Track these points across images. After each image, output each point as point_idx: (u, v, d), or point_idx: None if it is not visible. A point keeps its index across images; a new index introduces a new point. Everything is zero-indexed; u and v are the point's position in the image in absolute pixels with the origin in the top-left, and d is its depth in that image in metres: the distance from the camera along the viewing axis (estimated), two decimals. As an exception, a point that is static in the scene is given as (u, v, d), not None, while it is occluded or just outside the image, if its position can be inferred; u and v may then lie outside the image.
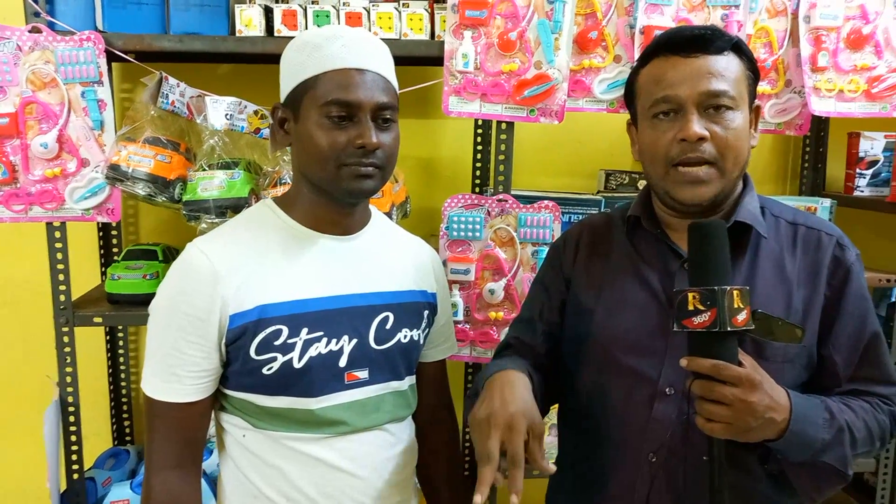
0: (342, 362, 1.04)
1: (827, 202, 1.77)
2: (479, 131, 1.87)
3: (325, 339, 1.02)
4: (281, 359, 1.00)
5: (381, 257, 1.12)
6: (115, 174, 1.43)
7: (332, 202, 1.05)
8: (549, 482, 1.21)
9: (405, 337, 1.10)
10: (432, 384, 1.24)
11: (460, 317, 1.56)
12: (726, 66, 0.96)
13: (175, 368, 1.00)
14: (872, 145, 1.86)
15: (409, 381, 1.15)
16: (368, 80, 0.99)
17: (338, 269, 1.06)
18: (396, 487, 1.10)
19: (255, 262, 1.02)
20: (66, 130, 1.43)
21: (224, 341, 1.00)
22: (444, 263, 1.54)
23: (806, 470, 0.95)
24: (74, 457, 1.53)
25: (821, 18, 1.56)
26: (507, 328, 1.42)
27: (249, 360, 1.00)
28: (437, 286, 1.20)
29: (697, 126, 0.94)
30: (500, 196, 1.55)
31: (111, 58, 1.45)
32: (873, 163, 1.87)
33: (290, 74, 1.02)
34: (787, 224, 1.04)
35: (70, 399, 1.50)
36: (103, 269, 1.80)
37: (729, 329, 0.84)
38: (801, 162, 2.03)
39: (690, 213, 1.00)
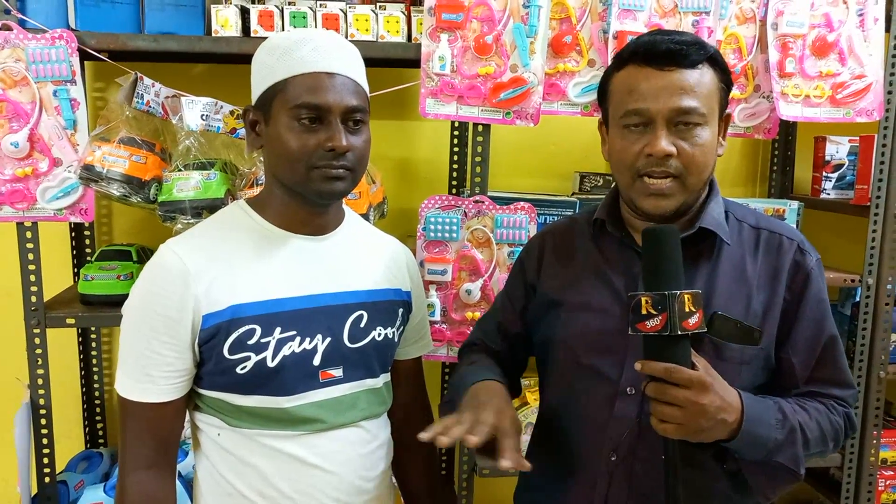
0: (316, 361, 1.05)
1: (795, 204, 1.82)
2: (456, 133, 1.88)
3: (298, 339, 1.03)
4: (254, 358, 1.00)
5: (355, 256, 1.13)
6: (90, 175, 1.41)
7: (304, 203, 1.06)
8: (519, 479, 1.23)
9: (379, 335, 1.11)
10: (408, 381, 1.25)
11: (437, 317, 1.57)
12: (699, 81, 0.96)
13: (148, 369, 1.00)
14: (838, 149, 1.91)
15: (384, 378, 1.16)
16: (338, 83, 1.00)
17: (311, 269, 1.07)
18: (372, 484, 1.11)
19: (228, 262, 1.02)
20: (37, 129, 1.41)
21: (197, 341, 1.00)
22: (422, 264, 1.55)
23: (761, 468, 0.98)
24: (46, 460, 1.50)
25: (787, 26, 1.60)
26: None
27: (223, 360, 1.00)
28: (412, 284, 1.21)
29: (665, 143, 0.95)
30: (477, 197, 1.56)
31: (84, 57, 1.43)
32: (839, 166, 1.92)
33: (261, 77, 1.03)
34: (750, 228, 1.06)
35: (42, 401, 1.48)
36: (76, 270, 1.78)
37: (679, 333, 0.86)
38: (770, 165, 2.08)
39: (654, 219, 1.02)
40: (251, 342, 1.00)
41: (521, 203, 1.58)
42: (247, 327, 1.00)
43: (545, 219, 1.75)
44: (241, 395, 1.03)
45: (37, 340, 1.46)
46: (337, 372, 1.07)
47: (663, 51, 0.96)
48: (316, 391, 1.05)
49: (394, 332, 1.15)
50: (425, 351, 1.29)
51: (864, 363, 1.76)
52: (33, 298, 1.45)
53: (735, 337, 0.94)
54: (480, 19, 1.49)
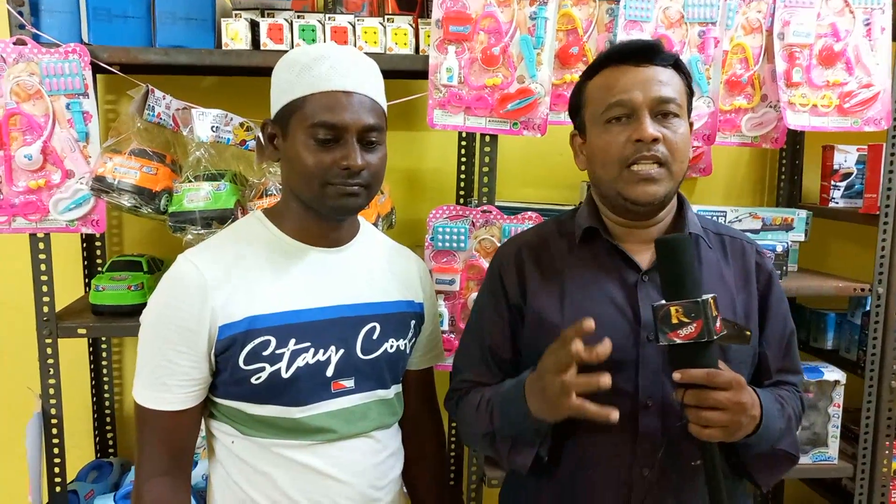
0: (329, 372, 1.06)
1: (803, 213, 1.81)
2: (464, 144, 1.89)
3: (312, 350, 1.04)
4: (269, 369, 1.01)
5: (369, 268, 1.13)
6: (101, 186, 1.43)
7: (319, 216, 1.07)
8: (509, 499, 1.19)
9: (392, 347, 1.12)
10: (419, 392, 1.26)
11: (445, 326, 1.57)
12: (671, 78, 1.01)
13: (165, 378, 1.01)
14: (846, 158, 1.91)
15: (396, 389, 1.17)
16: (355, 102, 1.01)
17: (326, 281, 1.08)
18: (383, 492, 1.12)
19: (245, 273, 1.03)
20: (50, 142, 1.43)
21: (213, 352, 1.01)
22: (430, 274, 1.56)
23: (764, 458, 1.02)
24: (57, 469, 1.51)
25: (794, 36, 1.61)
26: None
27: (238, 370, 1.01)
28: (425, 296, 1.22)
29: (651, 128, 0.98)
30: (485, 207, 1.57)
31: (97, 70, 1.45)
32: (847, 175, 1.92)
33: (280, 92, 1.04)
34: (714, 234, 1.11)
35: (53, 411, 1.49)
36: (87, 281, 1.79)
37: (715, 337, 0.88)
38: (778, 174, 2.08)
39: (641, 216, 1.04)
40: (266, 353, 1.01)
41: (529, 213, 1.58)
42: (262, 338, 1.01)
43: (553, 228, 1.75)
44: (255, 404, 1.04)
45: (48, 350, 1.47)
46: (349, 383, 1.07)
47: (639, 47, 1.01)
48: (328, 402, 1.06)
49: (406, 344, 1.15)
50: (437, 362, 1.29)
51: (874, 373, 1.75)
52: (45, 309, 1.47)
53: (734, 338, 0.95)
54: (487, 31, 1.50)
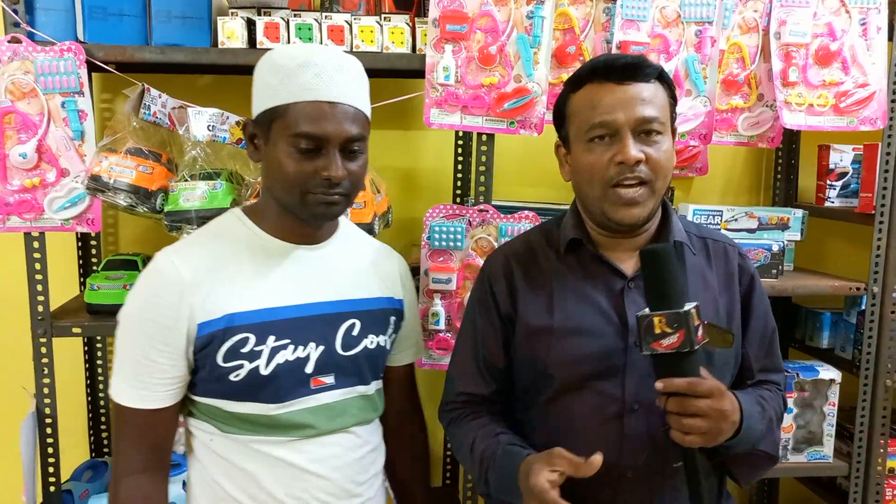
0: (308, 368, 1.06)
1: (799, 212, 1.82)
2: (460, 143, 1.89)
3: (291, 347, 1.04)
4: (248, 366, 1.02)
5: (349, 265, 1.14)
6: (97, 185, 1.42)
7: (297, 217, 1.07)
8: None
9: (372, 343, 1.12)
10: (400, 387, 1.26)
11: (441, 325, 1.57)
12: (654, 94, 1.01)
13: (143, 376, 1.02)
14: (842, 157, 1.91)
15: (376, 385, 1.17)
16: (338, 112, 1.00)
17: (305, 278, 1.08)
18: (364, 488, 1.12)
19: (224, 271, 1.03)
20: (45, 140, 1.43)
21: (192, 349, 1.02)
22: (426, 273, 1.56)
23: (744, 458, 1.04)
24: (51, 469, 1.51)
25: (790, 35, 1.61)
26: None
27: (217, 368, 1.02)
28: (405, 292, 1.22)
29: (634, 149, 0.98)
30: (481, 206, 1.57)
31: (92, 68, 1.45)
32: (843, 174, 1.92)
33: (262, 96, 1.04)
34: (697, 238, 1.13)
35: (47, 410, 1.48)
36: (82, 280, 1.79)
37: (696, 347, 0.89)
38: (774, 174, 2.08)
39: (622, 232, 1.05)
40: (245, 350, 1.01)
41: (526, 212, 1.58)
42: (241, 336, 1.01)
43: (549, 228, 1.75)
44: (234, 401, 1.04)
45: (43, 350, 1.47)
46: (329, 379, 1.08)
47: (622, 65, 1.01)
48: (307, 398, 1.06)
49: (386, 340, 1.16)
50: (417, 357, 1.30)
51: (870, 371, 1.76)
52: (40, 308, 1.46)
53: (717, 342, 0.97)
54: (484, 30, 1.50)
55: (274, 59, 1.03)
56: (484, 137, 1.55)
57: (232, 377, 1.02)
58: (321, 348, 1.06)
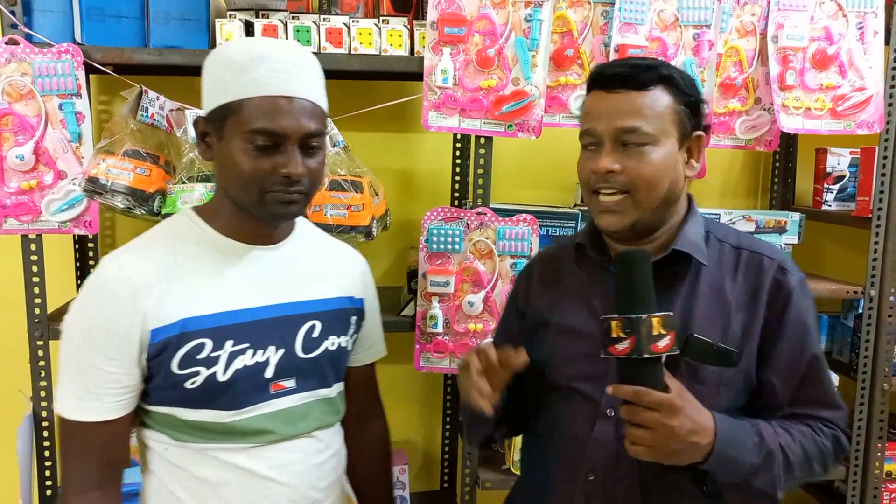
0: (268, 373, 1.02)
1: (796, 216, 1.82)
2: (458, 145, 1.89)
3: (250, 351, 1.01)
4: (205, 373, 0.98)
5: (307, 265, 1.10)
6: (94, 187, 1.42)
7: (253, 217, 1.03)
8: (509, 493, 1.22)
9: (333, 344, 1.09)
10: (361, 388, 1.23)
11: (440, 329, 1.57)
12: (647, 102, 0.97)
13: (93, 387, 0.97)
14: (839, 161, 1.92)
15: (338, 387, 1.14)
16: (296, 107, 0.96)
17: (263, 280, 1.04)
18: (325, 493, 1.09)
19: (177, 274, 0.99)
20: (42, 142, 1.42)
21: (145, 356, 0.97)
22: (424, 276, 1.56)
23: (740, 491, 0.96)
24: (48, 472, 1.50)
25: (788, 39, 1.61)
26: (485, 340, 1.44)
27: (172, 375, 0.97)
28: (365, 291, 1.19)
29: (606, 160, 0.98)
30: (479, 209, 1.57)
31: (89, 70, 1.44)
32: (840, 178, 1.93)
33: (214, 92, 0.99)
34: (731, 248, 1.05)
35: (44, 413, 1.48)
36: (79, 282, 1.78)
37: (646, 356, 0.87)
38: (772, 177, 2.09)
39: (625, 239, 1.03)
40: (201, 356, 0.97)
41: (524, 215, 1.58)
42: (197, 341, 0.97)
43: (547, 230, 1.75)
44: (190, 409, 1.00)
45: (40, 353, 1.46)
46: (289, 383, 1.04)
47: (610, 75, 1.00)
48: (266, 403, 1.03)
49: (347, 341, 1.13)
50: (378, 357, 1.26)
51: (867, 375, 1.76)
52: (37, 310, 1.46)
53: (711, 359, 0.92)
54: (482, 33, 1.50)
55: (227, 54, 0.99)
56: (482, 140, 1.56)
57: (188, 384, 0.97)
58: (281, 351, 1.03)
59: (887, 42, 1.67)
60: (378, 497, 1.28)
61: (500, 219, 1.57)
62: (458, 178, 1.90)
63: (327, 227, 1.52)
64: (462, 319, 1.58)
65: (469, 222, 1.56)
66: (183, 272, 0.99)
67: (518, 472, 1.71)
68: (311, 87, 1.00)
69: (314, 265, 1.12)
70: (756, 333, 1.00)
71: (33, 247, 1.45)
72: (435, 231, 1.55)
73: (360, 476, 1.25)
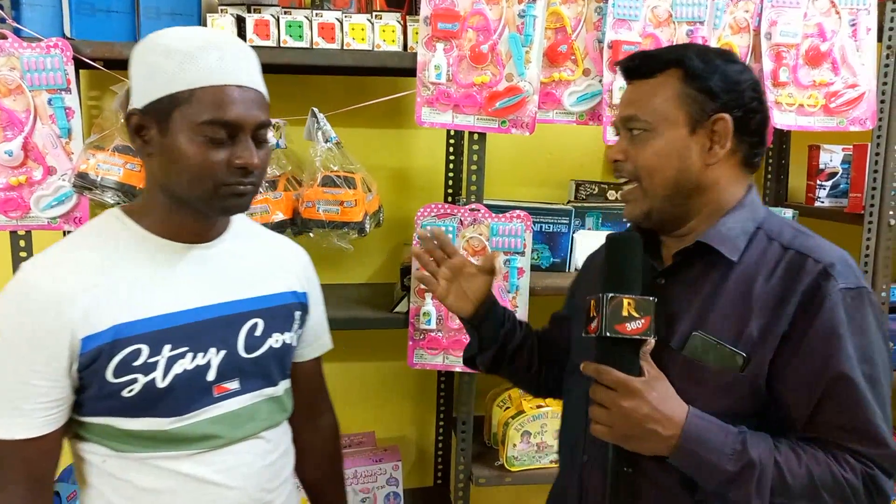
0: (210, 376, 0.99)
1: (789, 212, 1.83)
2: (452, 142, 1.88)
3: (190, 355, 0.97)
4: (142, 380, 0.93)
5: (245, 262, 1.06)
6: (84, 182, 1.41)
7: (193, 213, 0.98)
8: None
9: (277, 342, 1.06)
10: (307, 384, 1.20)
11: (433, 325, 1.56)
12: (650, 91, 0.97)
13: (18, 402, 0.91)
14: (832, 157, 1.92)
15: (284, 385, 1.11)
16: (248, 97, 0.93)
17: (199, 279, 1.00)
18: (275, 494, 1.07)
19: (107, 278, 0.93)
20: (31, 138, 1.41)
21: (76, 367, 0.92)
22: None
23: (719, 499, 0.90)
24: None
25: (781, 36, 1.61)
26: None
27: (106, 385, 0.92)
28: (309, 285, 1.15)
29: (613, 149, 1.01)
30: (473, 206, 1.56)
31: (79, 65, 1.43)
32: (832, 174, 1.93)
33: (154, 82, 0.92)
34: (780, 247, 0.95)
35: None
36: (70, 279, 1.77)
37: (610, 335, 0.88)
38: (765, 173, 2.09)
39: (661, 230, 1.03)
40: (138, 363, 0.93)
41: (517, 211, 1.58)
42: (132, 348, 0.92)
43: (541, 227, 1.75)
44: (128, 418, 0.95)
45: (30, 350, 1.45)
46: (233, 385, 1.01)
47: (625, 67, 1.03)
48: (210, 407, 0.99)
49: (292, 337, 1.09)
50: (323, 351, 1.23)
51: (859, 371, 1.76)
52: (26, 307, 1.44)
53: (712, 359, 0.91)
54: (476, 29, 1.49)
55: (167, 43, 0.93)
56: (475, 136, 1.55)
57: (125, 393, 0.92)
58: (223, 353, 0.99)
59: (879, 39, 1.68)
60: (330, 494, 1.26)
61: (494, 215, 1.57)
62: (451, 174, 1.90)
63: (320, 224, 1.51)
64: (455, 316, 1.57)
65: (462, 219, 1.56)
66: (112, 276, 0.94)
67: (511, 469, 1.72)
68: (256, 77, 0.97)
69: (254, 261, 1.07)
70: (775, 340, 0.90)
71: (22, 243, 1.44)
72: (428, 227, 1.54)
73: (309, 474, 1.23)
